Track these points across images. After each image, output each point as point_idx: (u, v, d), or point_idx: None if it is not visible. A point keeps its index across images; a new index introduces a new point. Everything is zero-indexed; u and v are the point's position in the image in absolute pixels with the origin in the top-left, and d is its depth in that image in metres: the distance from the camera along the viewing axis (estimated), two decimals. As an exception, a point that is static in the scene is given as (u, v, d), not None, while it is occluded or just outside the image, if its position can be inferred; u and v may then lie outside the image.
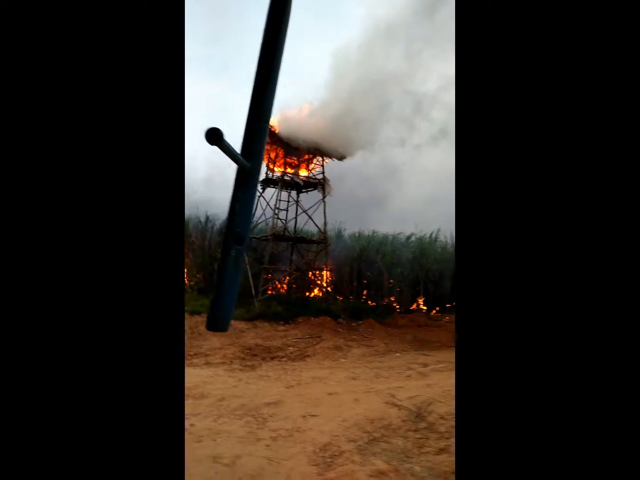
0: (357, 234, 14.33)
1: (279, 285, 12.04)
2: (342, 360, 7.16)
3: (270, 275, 11.77)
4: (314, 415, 4.46)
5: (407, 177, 16.47)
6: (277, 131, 11.37)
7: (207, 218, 13.96)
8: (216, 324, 0.93)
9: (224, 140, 0.81)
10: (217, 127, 0.81)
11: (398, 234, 14.16)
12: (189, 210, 13.75)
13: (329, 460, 3.45)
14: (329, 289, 12.15)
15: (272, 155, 12.39)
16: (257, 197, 11.80)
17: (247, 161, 0.93)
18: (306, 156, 12.47)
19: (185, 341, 7.54)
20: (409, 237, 13.96)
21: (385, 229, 14.39)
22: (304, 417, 4.41)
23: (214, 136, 0.79)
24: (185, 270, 12.68)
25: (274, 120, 11.57)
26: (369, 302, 12.08)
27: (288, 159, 12.12)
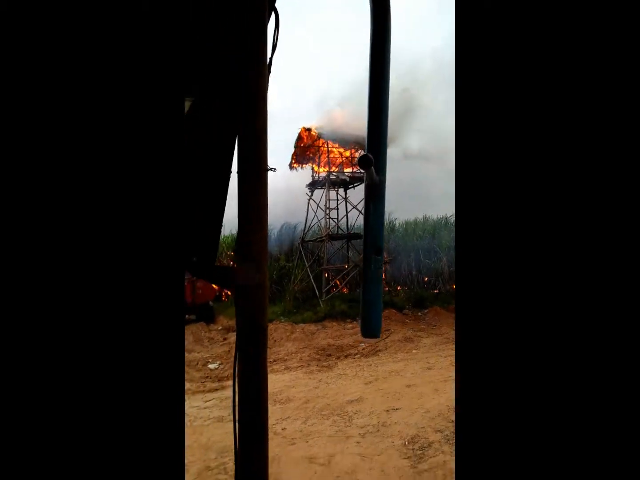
0: (405, 223, 14.15)
1: (339, 284, 12.23)
2: (414, 351, 7.19)
3: (328, 275, 11.97)
4: (396, 409, 4.57)
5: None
6: (316, 134, 11.59)
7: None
8: (370, 331, 1.07)
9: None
10: (368, 154, 0.96)
11: (447, 216, 13.82)
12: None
13: (419, 452, 3.56)
14: (388, 281, 12.16)
15: (316, 157, 12.61)
16: (307, 200, 12.10)
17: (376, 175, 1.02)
18: (349, 152, 12.57)
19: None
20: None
21: (439, 211, 14.10)
22: (387, 411, 4.53)
23: (366, 162, 0.95)
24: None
25: (319, 124, 11.80)
26: (432, 290, 11.94)
27: (332, 158, 12.26)
